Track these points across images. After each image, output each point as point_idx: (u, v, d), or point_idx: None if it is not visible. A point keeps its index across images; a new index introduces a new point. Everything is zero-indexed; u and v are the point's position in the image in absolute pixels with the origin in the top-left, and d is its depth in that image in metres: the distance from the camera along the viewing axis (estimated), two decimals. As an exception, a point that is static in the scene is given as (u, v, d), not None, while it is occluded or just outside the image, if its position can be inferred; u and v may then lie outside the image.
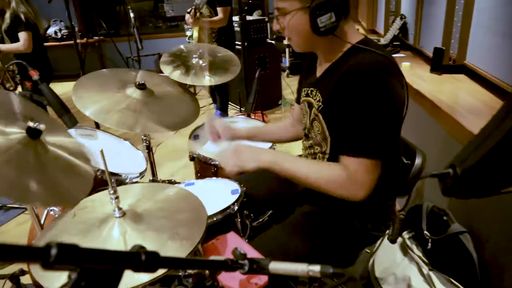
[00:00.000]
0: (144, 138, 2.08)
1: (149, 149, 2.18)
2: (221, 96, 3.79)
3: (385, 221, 1.26)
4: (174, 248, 0.80)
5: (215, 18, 3.35)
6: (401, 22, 2.96)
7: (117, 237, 0.84)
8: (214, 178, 1.58)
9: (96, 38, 6.58)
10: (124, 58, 5.62)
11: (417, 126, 2.07)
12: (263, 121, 2.84)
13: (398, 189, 1.22)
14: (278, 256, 1.08)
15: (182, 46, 2.12)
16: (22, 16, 2.94)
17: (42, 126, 0.99)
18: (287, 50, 5.65)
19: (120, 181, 1.44)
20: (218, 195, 1.39)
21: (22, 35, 2.97)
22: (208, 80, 1.93)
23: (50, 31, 6.43)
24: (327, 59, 1.16)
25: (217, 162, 1.71)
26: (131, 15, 3.48)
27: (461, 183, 0.49)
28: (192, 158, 1.87)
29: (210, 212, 1.23)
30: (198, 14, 2.99)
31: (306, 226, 1.24)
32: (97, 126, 2.69)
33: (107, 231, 0.86)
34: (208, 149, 1.84)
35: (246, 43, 4.04)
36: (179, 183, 1.62)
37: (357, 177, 1.03)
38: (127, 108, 1.60)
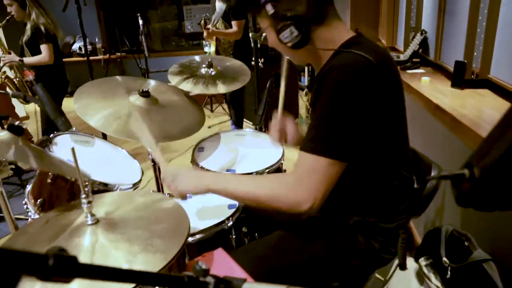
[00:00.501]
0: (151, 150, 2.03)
1: (154, 162, 2.12)
2: (236, 110, 3.74)
3: (395, 242, 1.12)
4: (145, 261, 0.70)
5: (230, 30, 3.33)
6: (421, 38, 2.86)
7: (86, 246, 0.75)
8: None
9: (118, 54, 6.71)
10: (144, 72, 5.68)
11: (436, 141, 1.93)
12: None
13: (411, 207, 1.10)
14: (266, 276, 0.97)
15: (196, 57, 2.08)
16: (42, 28, 2.99)
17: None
18: (306, 68, 5.58)
19: (109, 191, 1.36)
20: (215, 209, 1.29)
21: (44, 47, 3.02)
22: (217, 88, 1.87)
23: (75, 46, 6.60)
24: (317, 67, 1.11)
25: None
26: (140, 22, 3.49)
27: (480, 187, 0.38)
28: (195, 171, 1.78)
29: (201, 226, 1.13)
30: (211, 26, 2.96)
31: (299, 236, 1.13)
32: (104, 136, 2.65)
33: (77, 239, 0.77)
34: (213, 163, 1.75)
35: (262, 59, 4.02)
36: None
37: (302, 177, 0.94)
38: (127, 115, 1.54)
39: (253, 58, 3.36)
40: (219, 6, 3.47)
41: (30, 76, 1.23)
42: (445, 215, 1.82)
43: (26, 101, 1.17)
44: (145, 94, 1.66)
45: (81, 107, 1.48)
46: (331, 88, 0.93)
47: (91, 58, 6.42)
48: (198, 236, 1.10)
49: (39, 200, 1.20)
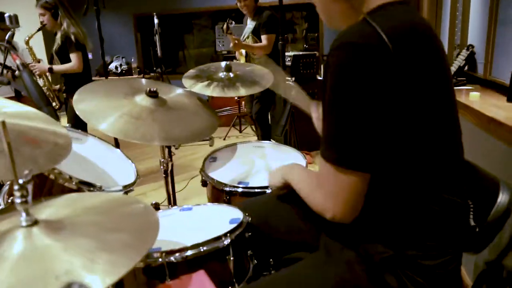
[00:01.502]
0: (163, 160, 1.86)
1: (166, 174, 1.95)
2: (262, 129, 3.54)
3: (442, 285, 0.82)
4: (80, 278, 0.49)
5: (258, 44, 3.19)
6: (468, 53, 2.57)
7: (16, 254, 0.55)
8: (221, 205, 1.26)
9: (152, 74, 6.81)
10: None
11: (491, 160, 1.63)
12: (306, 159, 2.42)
13: (465, 240, 0.82)
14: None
15: (215, 63, 1.92)
16: (73, 37, 2.99)
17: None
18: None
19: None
20: (214, 224, 1.07)
21: (74, 56, 3.02)
22: (236, 91, 1.68)
23: (112, 66, 6.76)
24: None
25: (227, 189, 1.41)
26: (155, 21, 3.40)
27: None
28: (204, 183, 1.58)
29: (190, 242, 0.91)
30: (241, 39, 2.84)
31: (316, 278, 0.88)
32: (117, 143, 2.52)
33: (6, 244, 0.58)
34: (223, 174, 1.55)
35: (293, 78, 3.82)
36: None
37: (323, 182, 0.81)
38: (129, 114, 1.38)
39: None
40: (250, 22, 3.37)
41: (17, 60, 1.09)
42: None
43: (11, 87, 1.03)
44: (152, 94, 1.50)
45: (85, 111, 1.33)
46: (330, 76, 0.74)
47: (126, 77, 6.61)
48: (183, 254, 0.88)
49: (11, 199, 1.04)
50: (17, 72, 1.08)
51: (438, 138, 0.78)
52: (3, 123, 0.56)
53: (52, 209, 0.70)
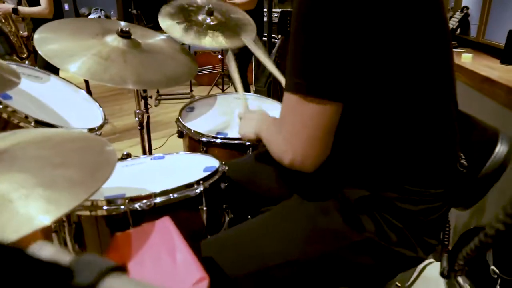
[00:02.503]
0: (138, 111, 1.74)
1: (142, 126, 1.83)
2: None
3: (421, 234, 0.78)
4: (9, 215, 0.40)
5: (243, -1, 2.97)
6: (461, 15, 2.47)
7: None
8: (196, 154, 1.16)
9: (132, 27, 6.47)
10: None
11: (486, 119, 1.57)
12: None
13: (451, 191, 0.75)
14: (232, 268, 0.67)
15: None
16: (44, -22, 2.72)
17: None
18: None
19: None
20: (186, 172, 0.98)
21: None
22: (210, 40, 1.54)
23: (90, 18, 6.40)
24: None
25: (205, 139, 1.30)
26: None
27: None
28: (180, 135, 1.47)
29: (158, 189, 0.81)
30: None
31: (287, 221, 0.81)
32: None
33: None
34: (201, 124, 1.44)
35: (280, 36, 3.66)
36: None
37: (282, 120, 0.71)
38: (98, 55, 1.24)
39: (265, 33, 3.00)
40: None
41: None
42: (489, 209, 1.44)
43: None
44: (125, 34, 1.36)
45: (49, 51, 1.19)
46: (297, 4, 0.65)
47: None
48: (149, 201, 0.79)
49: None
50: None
51: (426, 80, 0.69)
52: None
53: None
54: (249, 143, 1.28)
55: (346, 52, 0.62)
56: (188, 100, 1.67)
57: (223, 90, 4.96)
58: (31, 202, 0.43)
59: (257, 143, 1.06)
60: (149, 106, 2.33)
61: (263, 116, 0.97)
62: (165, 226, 0.62)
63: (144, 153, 1.94)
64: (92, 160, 0.56)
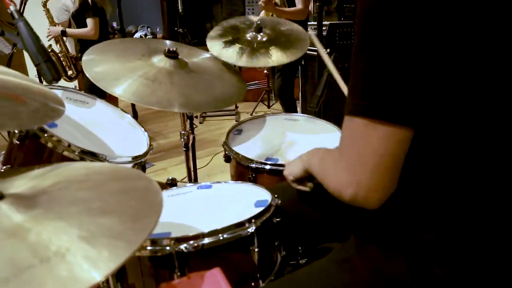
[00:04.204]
0: (183, 132, 1.70)
1: (187, 147, 1.79)
2: (285, 105, 3.22)
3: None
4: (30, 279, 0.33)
5: (293, 8, 2.87)
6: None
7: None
8: (245, 183, 1.08)
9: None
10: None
11: None
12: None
13: None
14: None
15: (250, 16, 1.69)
16: (89, 0, 2.82)
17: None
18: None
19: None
20: (236, 205, 0.89)
21: (90, 21, 2.87)
22: (264, 61, 1.47)
23: (136, 35, 6.63)
24: None
25: (253, 165, 1.22)
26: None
27: None
28: (227, 159, 1.40)
29: (206, 228, 0.73)
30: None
31: (346, 271, 0.70)
32: (135, 116, 2.38)
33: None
34: (249, 148, 1.36)
35: (328, 50, 3.53)
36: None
37: (346, 149, 0.60)
38: (144, 76, 1.20)
39: (311, 48, 2.88)
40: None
41: (10, 7, 0.92)
42: None
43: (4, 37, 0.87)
44: (172, 54, 1.32)
45: (96, 74, 1.17)
46: (359, 23, 0.57)
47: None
48: (197, 242, 0.70)
49: (3, 168, 0.89)
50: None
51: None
52: None
53: (29, 180, 0.53)
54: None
55: (422, 70, 0.53)
56: (234, 122, 1.60)
57: (269, 106, 4.89)
58: (70, 259, 0.36)
59: (306, 188, 0.91)
60: (194, 126, 2.30)
61: (311, 150, 0.85)
62: (215, 279, 0.53)
63: (189, 173, 1.89)
64: (134, 206, 0.49)
